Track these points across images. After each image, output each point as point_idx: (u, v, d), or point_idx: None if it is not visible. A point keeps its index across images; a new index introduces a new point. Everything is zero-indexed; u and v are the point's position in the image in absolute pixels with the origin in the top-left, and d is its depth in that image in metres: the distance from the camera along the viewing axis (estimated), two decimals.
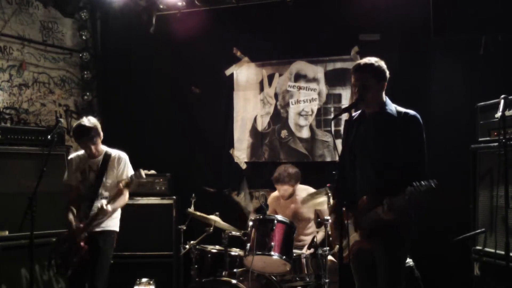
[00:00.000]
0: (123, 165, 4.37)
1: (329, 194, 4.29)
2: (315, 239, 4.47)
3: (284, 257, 4.08)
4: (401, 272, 3.29)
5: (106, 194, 4.31)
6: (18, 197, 4.58)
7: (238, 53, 5.95)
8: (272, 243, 4.07)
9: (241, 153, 5.95)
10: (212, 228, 4.61)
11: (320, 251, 4.21)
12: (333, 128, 5.32)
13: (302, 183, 5.08)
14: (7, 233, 4.77)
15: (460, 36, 4.76)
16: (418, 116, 3.26)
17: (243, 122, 5.95)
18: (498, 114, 3.66)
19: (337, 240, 3.31)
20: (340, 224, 3.21)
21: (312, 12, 5.59)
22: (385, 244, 3.21)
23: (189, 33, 5.88)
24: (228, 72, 5.99)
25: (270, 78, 5.86)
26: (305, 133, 5.72)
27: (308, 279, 4.36)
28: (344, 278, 3.32)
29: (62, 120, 5.83)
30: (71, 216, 4.26)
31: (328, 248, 4.20)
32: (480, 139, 4.21)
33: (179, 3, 5.74)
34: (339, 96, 5.61)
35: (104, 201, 4.23)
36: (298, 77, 5.75)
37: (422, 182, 2.90)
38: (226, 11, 5.88)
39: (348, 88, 5.53)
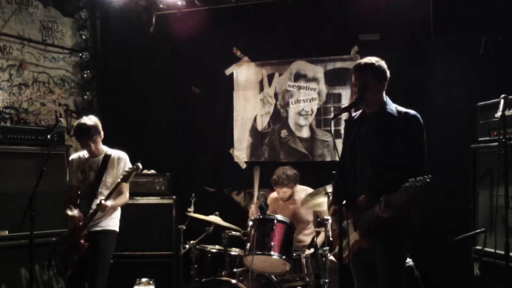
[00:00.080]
0: (123, 164, 4.37)
1: (329, 194, 4.29)
2: (315, 239, 4.46)
3: (284, 257, 4.08)
4: (401, 272, 3.28)
5: (106, 193, 4.30)
6: (18, 197, 4.58)
7: (238, 53, 5.95)
8: (272, 243, 4.07)
9: (241, 153, 5.94)
10: (212, 228, 4.62)
11: (320, 251, 4.21)
12: (332, 128, 5.34)
13: (302, 183, 5.08)
14: (6, 232, 4.77)
15: (460, 36, 4.75)
16: (419, 116, 3.26)
17: (243, 121, 5.94)
18: (498, 113, 3.65)
19: (337, 240, 3.31)
20: (340, 224, 3.21)
21: (312, 12, 5.59)
22: (385, 244, 3.21)
23: (189, 32, 5.88)
24: (228, 71, 5.99)
25: (270, 77, 5.86)
26: (305, 133, 5.71)
27: (308, 279, 4.36)
28: (344, 278, 3.32)
29: (62, 119, 5.85)
30: (70, 212, 4.24)
31: (328, 248, 4.19)
32: (480, 139, 4.21)
33: (179, 3, 5.73)
34: (339, 95, 5.61)
35: (102, 198, 4.22)
36: (298, 76, 5.75)
37: (417, 177, 2.92)
38: (226, 10, 5.87)
39: (348, 88, 5.53)
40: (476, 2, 4.56)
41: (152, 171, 5.74)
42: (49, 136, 4.49)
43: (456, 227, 4.37)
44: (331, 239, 3.90)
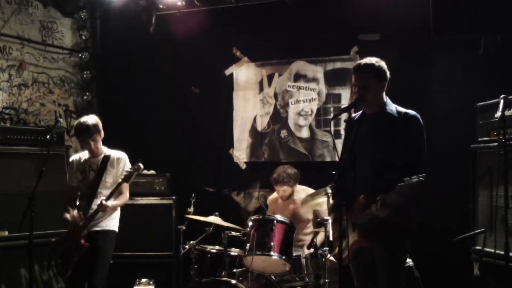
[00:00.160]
0: (123, 164, 4.38)
1: (329, 194, 4.29)
2: (315, 239, 4.46)
3: (283, 257, 4.08)
4: (401, 272, 3.29)
5: (105, 193, 4.29)
6: (18, 197, 4.58)
7: (238, 53, 5.95)
8: (272, 243, 4.07)
9: (240, 153, 5.94)
10: (212, 228, 4.61)
11: (320, 251, 4.20)
12: (332, 128, 5.34)
13: (301, 183, 5.08)
14: (6, 233, 4.77)
15: (460, 36, 4.75)
16: (418, 116, 3.27)
17: (243, 122, 5.94)
18: (498, 114, 3.65)
19: (337, 240, 3.31)
20: (340, 224, 3.21)
21: (312, 12, 5.59)
22: (384, 244, 3.21)
23: (189, 33, 5.88)
24: (227, 72, 5.99)
25: (270, 78, 5.86)
26: (304, 133, 5.71)
27: (307, 279, 4.36)
28: (344, 279, 3.32)
29: (61, 120, 5.85)
30: (68, 215, 4.24)
31: (328, 248, 4.19)
32: (479, 139, 4.21)
33: (179, 3, 5.74)
34: (339, 96, 5.61)
35: (103, 198, 4.22)
36: (298, 77, 5.74)
37: (413, 176, 2.92)
38: (225, 11, 5.87)
39: (348, 88, 5.53)
40: (476, 2, 4.56)
41: (152, 171, 5.74)
42: (48, 137, 4.49)
43: (456, 227, 4.37)
44: (331, 239, 3.90)
